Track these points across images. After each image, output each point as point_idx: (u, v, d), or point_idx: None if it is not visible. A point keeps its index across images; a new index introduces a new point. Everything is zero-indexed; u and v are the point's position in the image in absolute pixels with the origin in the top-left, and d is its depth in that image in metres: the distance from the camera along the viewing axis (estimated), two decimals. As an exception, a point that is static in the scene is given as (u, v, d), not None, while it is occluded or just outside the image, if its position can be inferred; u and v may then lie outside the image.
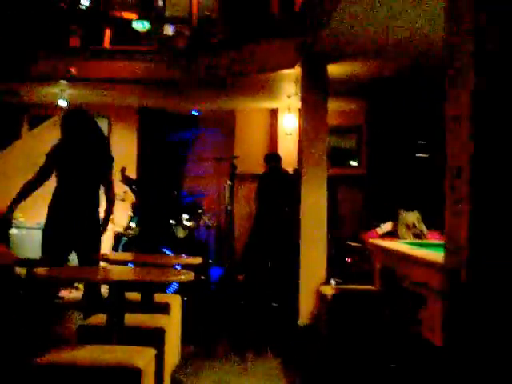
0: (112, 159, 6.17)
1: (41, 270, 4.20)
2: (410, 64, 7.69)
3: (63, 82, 9.40)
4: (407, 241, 5.92)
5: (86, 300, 6.00)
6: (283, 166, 10.18)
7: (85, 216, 5.90)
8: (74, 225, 5.82)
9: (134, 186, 9.01)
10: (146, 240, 8.59)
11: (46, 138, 11.48)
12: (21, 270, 8.98)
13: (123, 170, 8.99)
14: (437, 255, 3.61)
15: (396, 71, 8.19)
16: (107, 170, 6.12)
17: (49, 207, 5.94)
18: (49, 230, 5.91)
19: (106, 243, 9.83)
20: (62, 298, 9.17)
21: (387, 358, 5.17)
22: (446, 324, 2.88)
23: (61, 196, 5.88)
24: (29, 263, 8.67)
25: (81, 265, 5.96)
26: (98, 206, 6.04)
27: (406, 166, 10.40)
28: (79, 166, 5.91)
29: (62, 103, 10.05)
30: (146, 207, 8.86)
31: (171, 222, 8.71)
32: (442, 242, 4.47)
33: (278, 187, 9.56)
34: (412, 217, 6.33)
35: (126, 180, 9.00)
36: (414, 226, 6.31)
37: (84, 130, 6.02)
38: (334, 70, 7.75)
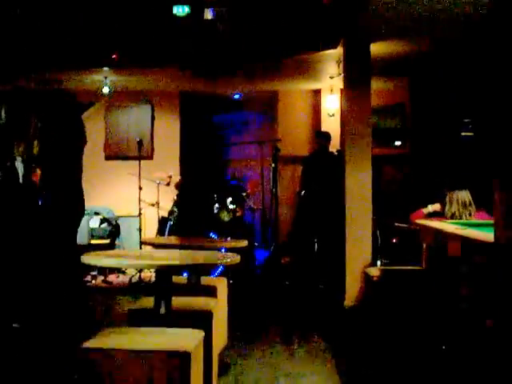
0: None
1: (88, 256, 4.24)
2: (458, 37, 7.52)
3: (106, 68, 9.47)
4: (458, 221, 5.83)
5: None
6: (326, 148, 10.12)
7: None
8: None
9: None
10: (186, 224, 8.62)
11: (91, 124, 11.64)
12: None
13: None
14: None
15: (442, 46, 8.04)
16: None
17: None
18: None
19: (152, 228, 9.94)
20: (111, 282, 9.30)
21: (437, 339, 5.13)
22: (497, 301, 2.84)
23: None
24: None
25: None
26: None
27: (450, 145, 10.25)
28: None
29: (106, 90, 10.14)
30: (187, 192, 8.89)
31: (216, 205, 8.73)
32: (490, 221, 4.40)
33: (323, 168, 9.49)
34: (467, 195, 6.21)
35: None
36: (470, 204, 6.19)
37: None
38: (377, 48, 7.66)
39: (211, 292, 5.05)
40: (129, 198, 9.62)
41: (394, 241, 8.16)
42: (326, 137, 9.95)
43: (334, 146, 10.19)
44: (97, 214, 10.21)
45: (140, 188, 8.80)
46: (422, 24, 6.95)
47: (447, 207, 6.27)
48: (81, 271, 6.09)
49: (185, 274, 6.20)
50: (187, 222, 8.69)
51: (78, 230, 9.00)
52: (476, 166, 9.07)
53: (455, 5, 6.28)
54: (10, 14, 7.70)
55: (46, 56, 8.77)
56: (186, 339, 3.54)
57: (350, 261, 7.30)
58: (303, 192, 9.60)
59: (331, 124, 11.05)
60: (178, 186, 9.35)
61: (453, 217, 6.15)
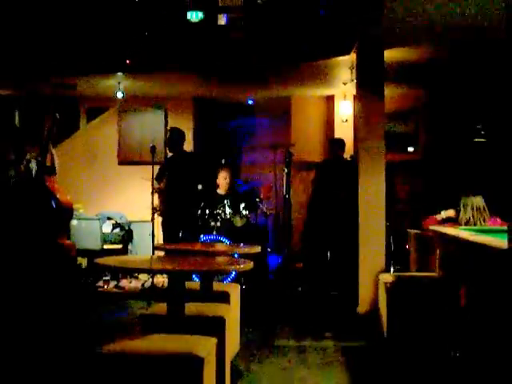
0: None
1: (102, 260, 4.25)
2: (470, 45, 7.52)
3: (120, 73, 9.51)
4: (471, 227, 5.80)
5: None
6: (339, 154, 10.09)
7: None
8: None
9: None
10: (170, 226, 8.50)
11: (104, 129, 11.69)
12: (81, 260, 9.16)
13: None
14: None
15: (455, 54, 8.02)
16: None
17: None
18: None
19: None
20: (123, 287, 9.32)
21: (449, 346, 5.11)
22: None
23: None
24: (89, 254, 8.85)
25: None
26: None
27: (464, 150, 10.22)
28: None
29: (119, 95, 10.18)
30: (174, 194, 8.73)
31: (228, 211, 8.72)
32: (504, 227, 4.38)
33: (337, 174, 9.45)
34: (481, 201, 6.19)
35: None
36: (484, 209, 6.16)
37: None
38: (390, 55, 7.64)
39: (224, 298, 5.05)
40: (142, 203, 9.61)
41: (407, 247, 8.14)
42: (340, 144, 9.88)
43: (348, 151, 10.17)
44: (109, 218, 10.22)
45: (153, 193, 8.79)
46: (434, 33, 6.95)
47: (461, 213, 6.25)
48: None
49: (197, 280, 6.21)
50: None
51: (91, 235, 9.08)
52: (489, 171, 9.04)
53: (466, 16, 6.30)
54: (25, 20, 7.76)
55: (61, 61, 8.81)
56: (199, 345, 3.54)
57: (364, 267, 7.28)
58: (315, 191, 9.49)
59: (344, 130, 11.04)
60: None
61: (467, 223, 6.12)
